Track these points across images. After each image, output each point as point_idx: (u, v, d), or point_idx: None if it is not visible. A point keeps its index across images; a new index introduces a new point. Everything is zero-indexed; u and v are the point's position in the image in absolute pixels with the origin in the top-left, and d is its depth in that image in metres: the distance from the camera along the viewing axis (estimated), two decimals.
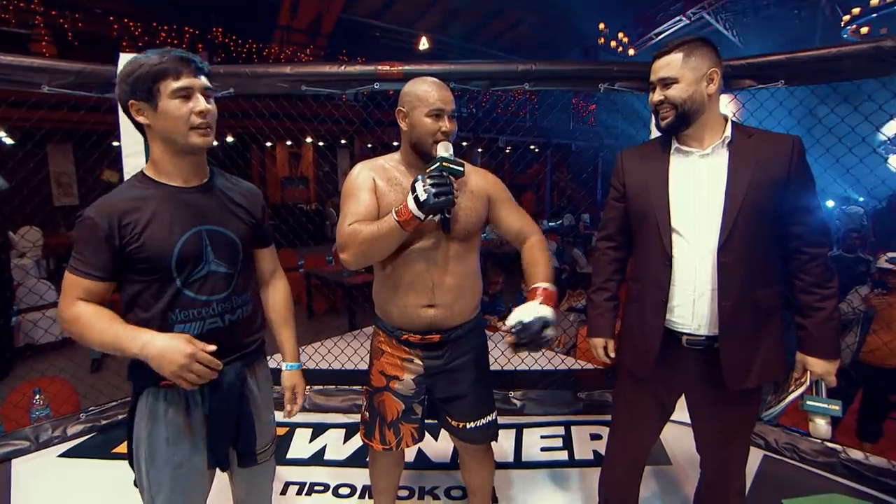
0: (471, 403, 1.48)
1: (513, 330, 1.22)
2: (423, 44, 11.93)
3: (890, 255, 3.24)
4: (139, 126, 1.10)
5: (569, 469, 2.14)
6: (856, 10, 9.43)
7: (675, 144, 1.34)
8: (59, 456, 2.22)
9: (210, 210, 1.14)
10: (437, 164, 1.23)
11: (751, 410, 1.39)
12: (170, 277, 1.08)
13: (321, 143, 11.66)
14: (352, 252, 1.29)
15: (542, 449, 2.28)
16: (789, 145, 1.25)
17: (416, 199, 1.18)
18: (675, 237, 1.30)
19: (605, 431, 2.38)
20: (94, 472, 2.11)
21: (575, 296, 4.50)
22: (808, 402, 1.30)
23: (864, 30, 9.63)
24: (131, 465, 1.17)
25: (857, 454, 2.10)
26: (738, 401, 1.34)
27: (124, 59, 2.31)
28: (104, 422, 2.44)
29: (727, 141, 1.28)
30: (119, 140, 2.33)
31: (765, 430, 2.28)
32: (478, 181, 1.45)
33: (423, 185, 1.17)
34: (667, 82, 1.27)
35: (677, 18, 13.02)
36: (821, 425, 1.30)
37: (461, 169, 1.24)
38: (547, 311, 1.24)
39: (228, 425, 1.16)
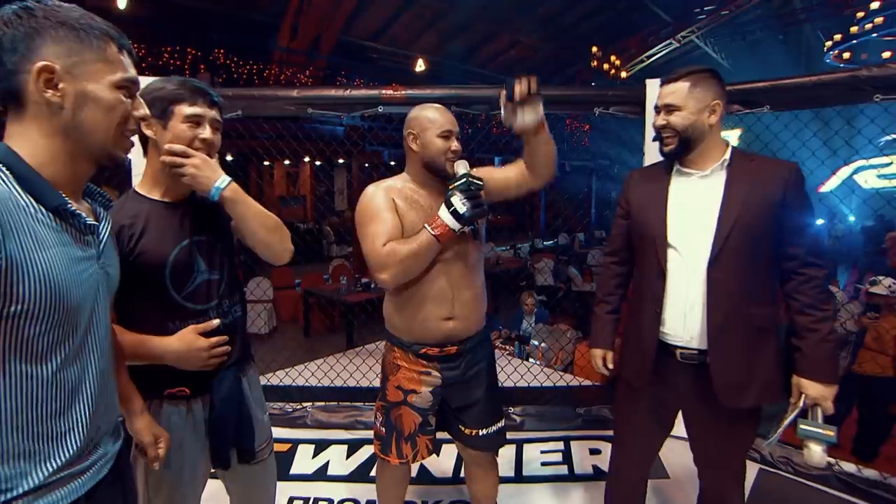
0: (484, 410, 1.53)
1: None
2: (420, 65, 12.19)
3: (888, 280, 3.32)
4: (142, 139, 1.15)
5: (569, 483, 2.17)
6: (837, 37, 9.76)
7: (676, 166, 1.41)
8: None
9: (198, 221, 1.19)
10: (465, 179, 1.33)
11: (747, 429, 1.41)
12: (165, 288, 1.12)
13: (318, 163, 11.78)
14: (392, 271, 1.33)
15: (543, 464, 2.32)
16: (787, 171, 1.30)
17: (455, 212, 1.28)
18: (669, 252, 1.36)
19: (604, 446, 2.42)
20: None
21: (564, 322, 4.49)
22: (801, 427, 1.26)
23: (847, 55, 9.97)
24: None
25: (850, 467, 2.14)
26: (734, 419, 1.36)
27: None
28: None
29: (726, 163, 1.34)
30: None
31: (760, 444, 2.33)
32: None
33: (461, 199, 1.29)
34: (670, 108, 1.33)
35: (668, 42, 13.40)
36: (815, 452, 1.25)
37: (482, 183, 1.35)
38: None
39: (231, 426, 1.21)
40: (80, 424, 0.75)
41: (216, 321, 1.16)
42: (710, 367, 1.31)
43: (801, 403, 1.30)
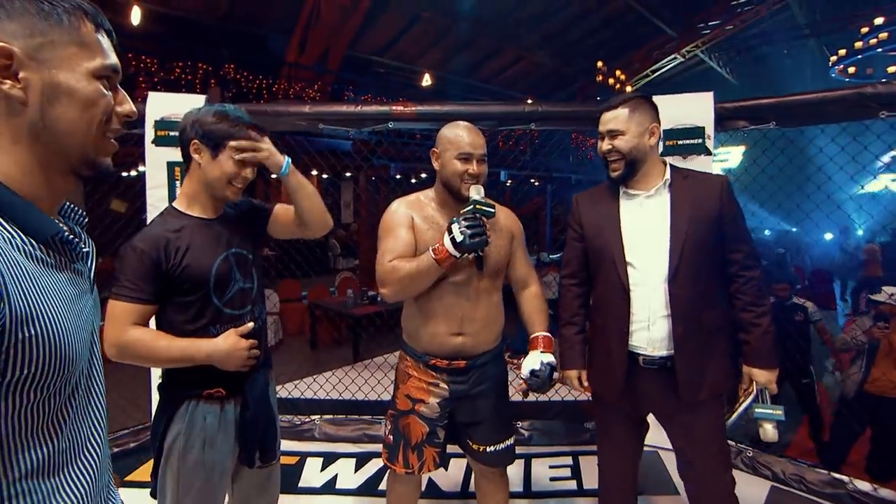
0: (491, 427, 1.54)
1: (528, 380, 1.42)
2: (426, 80, 12.33)
3: (889, 289, 3.31)
4: (186, 157, 1.27)
5: (578, 498, 2.16)
6: (842, 52, 9.80)
7: (623, 189, 1.50)
8: None
9: (230, 235, 1.30)
10: (472, 206, 1.34)
11: (713, 418, 1.46)
12: (209, 296, 1.23)
13: (324, 176, 11.88)
14: (391, 288, 1.40)
15: (552, 479, 2.30)
16: (718, 185, 1.44)
17: (453, 239, 1.28)
18: (630, 270, 1.44)
19: None
20: None
21: None
22: (757, 410, 1.44)
23: (852, 70, 10.00)
24: (153, 475, 1.27)
25: (864, 486, 2.11)
26: (699, 411, 1.44)
27: (153, 98, 2.45)
28: (116, 449, 2.46)
29: (668, 183, 1.45)
30: (129, 172, 2.43)
31: (771, 461, 2.30)
32: (505, 220, 1.55)
33: (460, 227, 1.28)
34: (614, 134, 1.43)
35: (672, 57, 13.50)
36: (769, 430, 1.43)
37: (492, 211, 1.35)
38: (550, 357, 1.46)
39: (260, 424, 1.31)
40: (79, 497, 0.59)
41: (251, 324, 1.26)
42: (677, 370, 1.40)
43: (753, 389, 1.44)
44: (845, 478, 2.15)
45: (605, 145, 1.46)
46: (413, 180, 10.22)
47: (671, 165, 1.50)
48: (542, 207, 14.72)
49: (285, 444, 2.55)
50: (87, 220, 0.72)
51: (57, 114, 0.57)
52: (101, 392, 0.67)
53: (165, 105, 2.41)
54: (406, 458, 1.53)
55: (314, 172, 11.32)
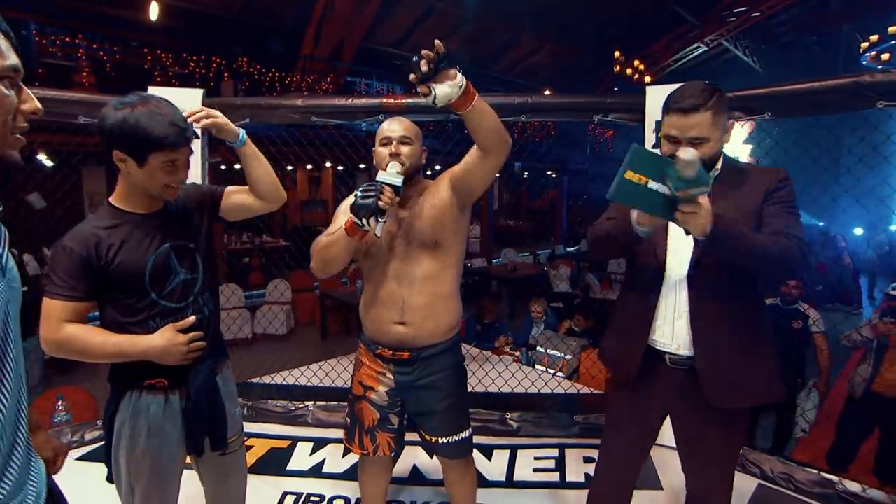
0: (441, 420, 1.55)
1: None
2: None
3: None
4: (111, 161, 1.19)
5: (559, 490, 2.17)
6: (874, 37, 9.38)
7: None
8: (77, 459, 2.35)
9: (171, 227, 1.28)
10: (378, 176, 1.39)
11: (737, 433, 1.41)
12: (146, 292, 1.22)
13: (340, 168, 11.99)
14: (314, 259, 1.48)
15: (535, 470, 2.31)
16: (770, 176, 1.31)
17: (351, 204, 1.34)
18: (667, 260, 1.38)
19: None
20: None
21: (577, 321, 4.53)
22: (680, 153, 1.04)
23: (885, 56, 9.56)
24: (107, 462, 1.30)
25: (854, 486, 2.07)
26: (724, 422, 1.37)
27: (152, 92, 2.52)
28: (90, 437, 2.55)
29: (716, 174, 1.34)
30: None
31: (760, 459, 2.27)
32: (435, 188, 1.52)
33: (356, 192, 1.34)
34: (697, 142, 1.25)
35: (695, 46, 13.12)
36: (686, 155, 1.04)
37: (397, 182, 1.35)
38: None
39: (204, 415, 1.31)
40: None
41: (192, 318, 1.26)
42: (697, 368, 1.33)
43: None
44: (834, 477, 2.11)
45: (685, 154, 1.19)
46: (429, 171, 10.24)
47: (726, 157, 1.37)
48: (557, 200, 14.58)
49: (279, 429, 2.64)
50: (0, 209, 0.74)
51: None
52: (12, 368, 0.69)
53: None
54: (361, 440, 1.59)
55: (328, 164, 11.45)
